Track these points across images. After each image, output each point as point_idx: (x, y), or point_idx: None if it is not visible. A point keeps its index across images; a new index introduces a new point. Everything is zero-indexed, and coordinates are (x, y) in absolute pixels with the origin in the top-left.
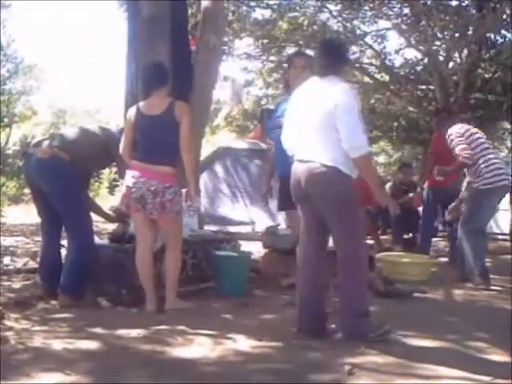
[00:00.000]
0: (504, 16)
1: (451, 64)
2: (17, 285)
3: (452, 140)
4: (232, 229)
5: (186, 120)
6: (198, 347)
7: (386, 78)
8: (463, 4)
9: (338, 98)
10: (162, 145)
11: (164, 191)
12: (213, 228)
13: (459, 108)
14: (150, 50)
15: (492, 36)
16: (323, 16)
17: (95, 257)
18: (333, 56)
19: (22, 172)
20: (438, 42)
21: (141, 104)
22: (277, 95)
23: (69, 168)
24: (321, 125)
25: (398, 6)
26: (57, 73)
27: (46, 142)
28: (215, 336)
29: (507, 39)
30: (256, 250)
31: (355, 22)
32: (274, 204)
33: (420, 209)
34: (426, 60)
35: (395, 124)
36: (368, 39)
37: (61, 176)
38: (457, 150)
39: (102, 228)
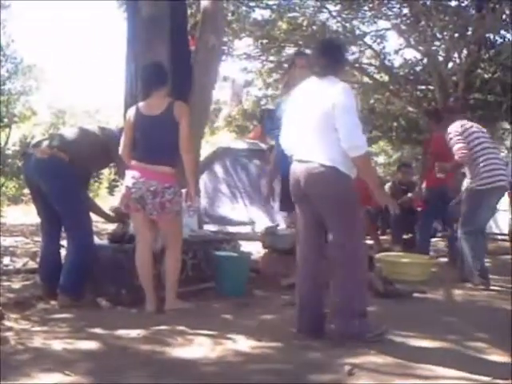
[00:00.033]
0: (503, 16)
1: (451, 64)
2: (16, 285)
3: (451, 139)
4: (232, 229)
5: (185, 120)
6: (198, 347)
7: (386, 78)
8: (462, 4)
9: (337, 98)
10: (161, 145)
11: (163, 191)
12: (212, 228)
13: (461, 107)
14: (149, 50)
15: (491, 36)
16: (322, 16)
17: (95, 257)
18: (332, 56)
19: (22, 172)
20: (437, 43)
21: (140, 104)
22: (276, 95)
23: (68, 168)
24: (319, 125)
25: (398, 6)
26: (56, 73)
27: (46, 143)
28: (215, 336)
29: (506, 39)
30: (256, 250)
31: (354, 22)
32: (275, 204)
33: (419, 209)
34: (425, 60)
35: (395, 124)
36: (367, 39)
37: (60, 176)
38: (454, 149)
39: (102, 228)
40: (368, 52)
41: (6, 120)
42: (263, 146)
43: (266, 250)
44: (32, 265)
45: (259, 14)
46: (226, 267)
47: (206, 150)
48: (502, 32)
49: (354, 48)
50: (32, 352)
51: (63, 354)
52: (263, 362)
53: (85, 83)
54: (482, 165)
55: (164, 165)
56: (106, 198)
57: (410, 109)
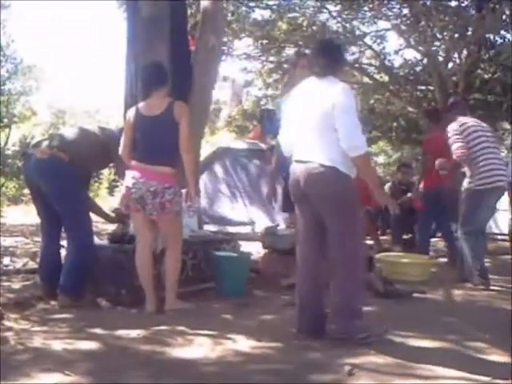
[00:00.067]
0: (503, 17)
1: (451, 64)
2: (16, 285)
3: (449, 138)
4: (231, 229)
5: (185, 120)
6: (198, 347)
7: (386, 78)
8: (462, 4)
9: (337, 98)
10: (161, 145)
11: (163, 192)
12: (212, 228)
13: (461, 105)
14: (149, 50)
15: (491, 36)
16: (323, 16)
17: (95, 257)
18: (331, 56)
19: (22, 172)
20: (437, 43)
21: (140, 104)
22: (276, 95)
23: (68, 168)
24: (319, 125)
25: (398, 6)
26: (56, 73)
27: (46, 143)
28: (215, 336)
29: (506, 40)
30: (256, 250)
31: (355, 23)
32: (275, 205)
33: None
34: (425, 60)
35: (394, 124)
36: (367, 40)
37: (60, 176)
38: (452, 149)
39: (102, 228)
40: (368, 52)
41: (5, 120)
42: (263, 146)
43: (266, 250)
44: (32, 265)
45: (259, 14)
46: (225, 267)
47: (205, 150)
48: (502, 32)
49: (354, 48)
50: (32, 352)
51: (63, 354)
52: (263, 362)
53: (85, 83)
54: (480, 164)
55: (164, 165)
56: (106, 198)
57: (410, 109)
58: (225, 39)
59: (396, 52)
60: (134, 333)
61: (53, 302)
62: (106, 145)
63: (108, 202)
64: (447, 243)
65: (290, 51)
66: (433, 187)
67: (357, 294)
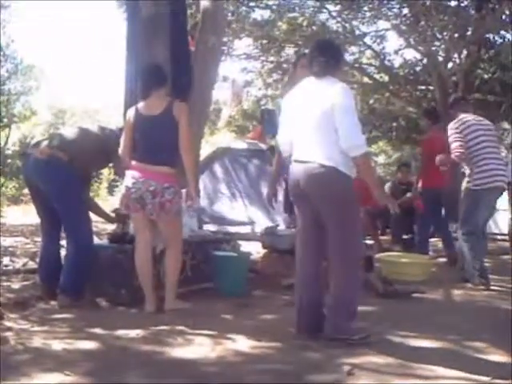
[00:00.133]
0: (503, 16)
1: (450, 64)
2: (16, 285)
3: (449, 136)
4: (231, 229)
5: (185, 120)
6: (198, 347)
7: (386, 78)
8: (462, 4)
9: (336, 98)
10: (161, 145)
11: (163, 191)
12: (212, 228)
13: (461, 103)
14: (149, 50)
15: (491, 36)
16: (322, 16)
17: (94, 257)
18: (330, 56)
19: (21, 172)
20: (437, 43)
21: (140, 104)
22: (276, 95)
23: (67, 168)
24: (319, 125)
25: (398, 6)
26: (56, 73)
27: (45, 143)
28: (215, 336)
29: (506, 40)
30: (255, 250)
31: (354, 23)
32: (276, 205)
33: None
34: (425, 60)
35: (394, 124)
36: (367, 40)
37: (59, 176)
38: (451, 148)
39: (102, 228)
40: (368, 52)
41: (5, 120)
42: (263, 146)
43: (266, 250)
44: (32, 265)
45: (259, 14)
46: (225, 267)
47: (205, 150)
48: (502, 32)
49: (353, 48)
50: (32, 352)
51: (63, 354)
52: (263, 362)
53: (85, 83)
54: (479, 164)
55: (164, 165)
56: (106, 198)
57: (410, 109)
58: (225, 39)
59: (396, 52)
60: (133, 333)
61: (53, 302)
62: (106, 145)
63: (108, 201)
64: (445, 243)
65: (289, 51)
66: (432, 187)
67: (354, 294)
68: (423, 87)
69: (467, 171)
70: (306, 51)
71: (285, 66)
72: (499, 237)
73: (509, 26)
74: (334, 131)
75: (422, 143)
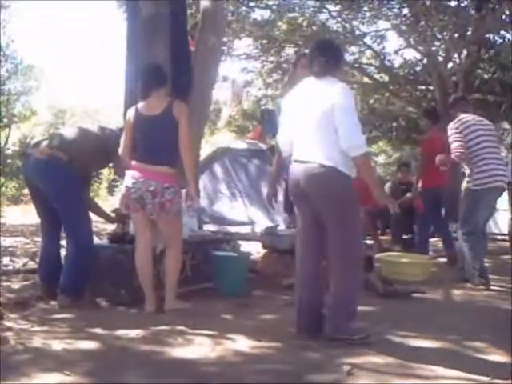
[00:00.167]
0: (503, 16)
1: (450, 64)
2: (16, 285)
3: (449, 136)
4: (231, 229)
5: (185, 120)
6: (198, 347)
7: (386, 78)
8: (462, 4)
9: (336, 98)
10: (161, 145)
11: (163, 191)
12: (212, 228)
13: (462, 103)
14: (149, 50)
15: (491, 36)
16: (322, 16)
17: (94, 257)
18: (331, 56)
19: (21, 172)
20: (437, 43)
21: (140, 104)
22: (276, 95)
23: (67, 168)
24: (319, 125)
25: (398, 6)
26: (56, 73)
27: (45, 143)
28: (215, 336)
29: (506, 40)
30: (255, 250)
31: (354, 23)
32: (276, 205)
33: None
34: (425, 60)
35: (394, 124)
36: (367, 40)
37: (59, 176)
38: (451, 148)
39: (102, 228)
40: (368, 52)
41: (5, 120)
42: (263, 146)
43: (266, 250)
44: (32, 265)
45: (259, 14)
46: (225, 267)
47: (205, 150)
48: (502, 32)
49: (353, 48)
50: (32, 352)
51: (63, 354)
52: (263, 362)
53: (85, 83)
54: (479, 164)
55: (164, 165)
56: (106, 198)
57: (410, 109)
58: (225, 39)
59: (396, 52)
60: (133, 333)
61: (53, 302)
62: (106, 145)
63: (108, 201)
64: (445, 243)
65: (289, 51)
66: (432, 187)
67: (354, 294)
68: (423, 87)
69: (467, 171)
70: (306, 51)
71: (285, 66)
72: (499, 237)
73: (509, 26)
74: (333, 131)
75: (421, 143)
